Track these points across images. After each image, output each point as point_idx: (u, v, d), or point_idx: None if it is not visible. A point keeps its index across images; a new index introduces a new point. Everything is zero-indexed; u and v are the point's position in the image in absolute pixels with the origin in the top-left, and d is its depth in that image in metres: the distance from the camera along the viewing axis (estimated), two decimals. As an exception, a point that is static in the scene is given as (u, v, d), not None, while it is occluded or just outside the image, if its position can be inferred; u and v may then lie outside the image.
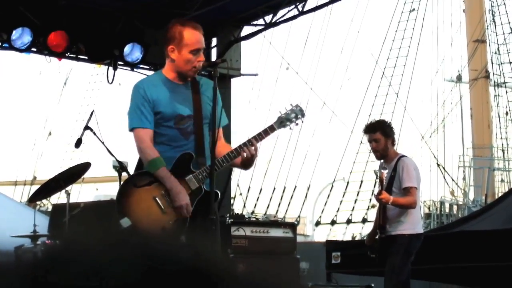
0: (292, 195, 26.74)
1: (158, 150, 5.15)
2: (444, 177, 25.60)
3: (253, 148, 5.14)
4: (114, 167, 7.34)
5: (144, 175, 5.20)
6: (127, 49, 10.99)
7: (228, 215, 10.30)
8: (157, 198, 5.10)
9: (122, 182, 5.28)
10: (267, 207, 26.12)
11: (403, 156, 7.39)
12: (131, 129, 5.20)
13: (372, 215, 22.46)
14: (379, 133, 7.32)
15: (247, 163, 5.22)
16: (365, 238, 7.94)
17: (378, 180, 7.68)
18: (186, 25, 5.21)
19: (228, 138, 5.55)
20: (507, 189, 23.68)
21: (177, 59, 5.20)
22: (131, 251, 0.77)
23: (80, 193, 22.03)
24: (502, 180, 26.07)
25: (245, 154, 5.13)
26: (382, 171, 7.10)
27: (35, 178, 28.20)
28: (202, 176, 5.14)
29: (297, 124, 5.27)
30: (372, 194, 25.33)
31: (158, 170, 5.10)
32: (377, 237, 7.20)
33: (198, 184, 5.13)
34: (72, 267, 0.81)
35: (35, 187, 19.77)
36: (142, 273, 0.73)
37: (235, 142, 13.40)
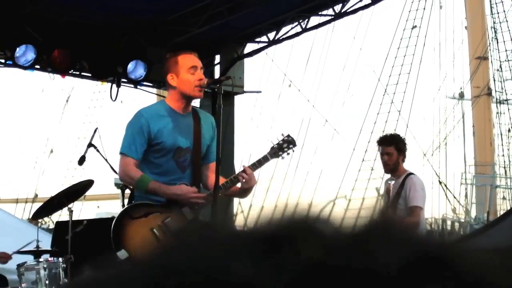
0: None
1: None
2: (446, 194, 25.57)
3: (248, 175, 5.21)
4: (116, 184, 7.30)
5: (140, 207, 5.24)
6: (130, 66, 10.97)
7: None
8: (154, 230, 5.15)
9: (117, 215, 5.29)
10: (269, 225, 25.97)
11: (412, 173, 7.33)
12: (120, 153, 5.28)
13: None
14: (393, 148, 7.28)
15: (246, 190, 5.27)
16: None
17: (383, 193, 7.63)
18: (179, 53, 5.36)
19: (231, 158, 5.60)
20: (509, 207, 23.64)
21: (178, 84, 5.24)
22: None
23: (81, 210, 21.94)
24: (504, 198, 26.02)
25: (244, 180, 5.19)
26: (389, 182, 7.05)
27: (36, 195, 28.13)
28: (198, 206, 5.16)
29: (288, 153, 5.49)
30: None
31: (149, 185, 5.15)
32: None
33: (194, 215, 5.17)
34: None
35: (36, 205, 19.73)
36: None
37: (238, 160, 13.37)
